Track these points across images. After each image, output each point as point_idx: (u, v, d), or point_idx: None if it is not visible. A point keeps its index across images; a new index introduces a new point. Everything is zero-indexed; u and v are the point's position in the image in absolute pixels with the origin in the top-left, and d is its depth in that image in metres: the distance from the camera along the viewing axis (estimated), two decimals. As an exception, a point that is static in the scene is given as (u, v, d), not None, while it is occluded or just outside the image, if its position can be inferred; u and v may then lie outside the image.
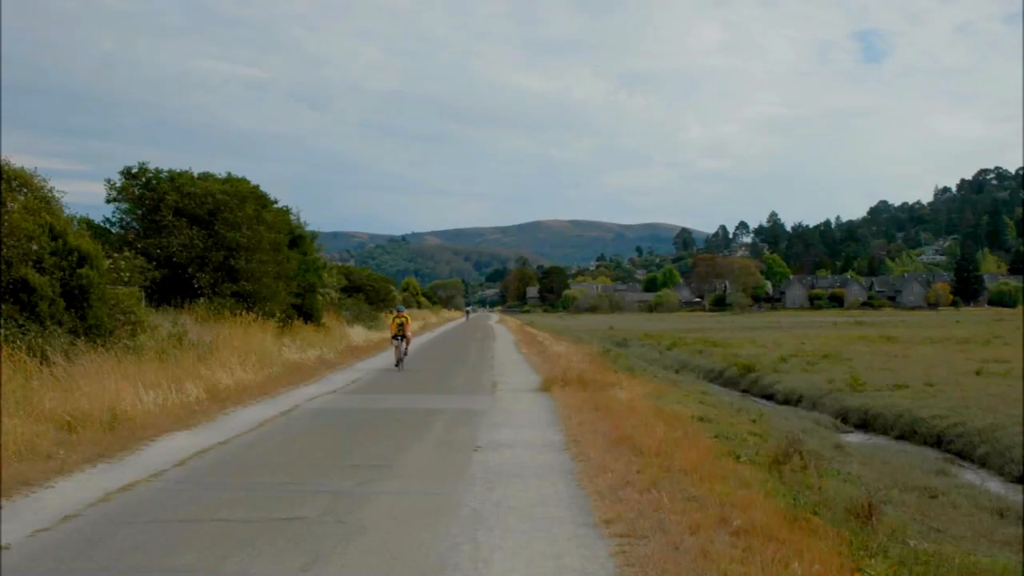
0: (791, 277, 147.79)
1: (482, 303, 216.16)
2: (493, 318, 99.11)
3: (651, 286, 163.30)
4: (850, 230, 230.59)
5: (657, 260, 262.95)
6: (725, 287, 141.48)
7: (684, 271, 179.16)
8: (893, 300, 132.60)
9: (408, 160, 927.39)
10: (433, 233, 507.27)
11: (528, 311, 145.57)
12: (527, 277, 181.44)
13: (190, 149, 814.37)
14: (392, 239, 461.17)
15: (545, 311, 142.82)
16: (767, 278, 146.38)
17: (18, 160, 14.23)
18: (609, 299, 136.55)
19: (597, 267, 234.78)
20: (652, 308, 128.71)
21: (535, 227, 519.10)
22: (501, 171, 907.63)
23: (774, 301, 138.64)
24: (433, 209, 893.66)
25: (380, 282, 50.16)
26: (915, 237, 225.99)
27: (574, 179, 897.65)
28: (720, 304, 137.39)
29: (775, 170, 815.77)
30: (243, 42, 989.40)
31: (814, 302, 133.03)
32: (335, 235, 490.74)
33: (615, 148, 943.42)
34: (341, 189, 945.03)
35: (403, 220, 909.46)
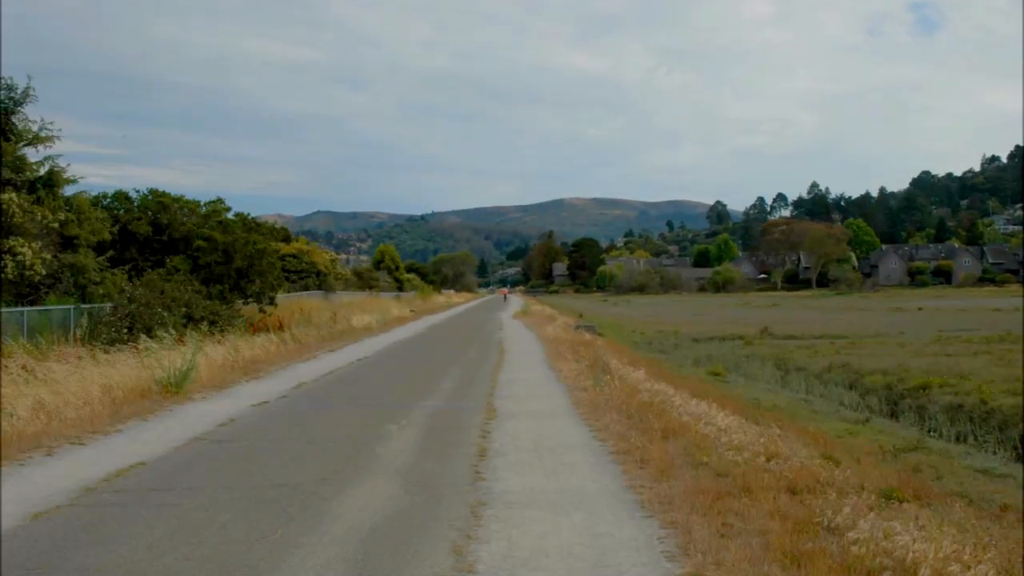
0: (883, 248, 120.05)
1: (503, 283, 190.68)
2: (511, 306, 60.41)
3: (702, 260, 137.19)
4: (908, 199, 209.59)
5: (690, 235, 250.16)
6: (798, 260, 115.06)
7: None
8: (1016, 274, 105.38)
9: (440, 140, 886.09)
10: (454, 212, 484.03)
11: (556, 291, 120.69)
12: (553, 252, 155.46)
13: (226, 132, 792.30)
14: (411, 218, 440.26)
15: (577, 291, 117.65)
16: (851, 248, 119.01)
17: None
18: (661, 276, 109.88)
19: (626, 243, 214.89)
20: (719, 287, 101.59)
21: (557, 205, 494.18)
22: (532, 150, 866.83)
23: (864, 276, 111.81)
24: (456, 188, 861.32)
25: (239, 230, 20.61)
26: (981, 206, 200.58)
27: (605, 157, 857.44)
28: (793, 281, 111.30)
29: (810, 145, 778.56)
30: (290, 20, 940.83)
31: (915, 277, 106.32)
32: (354, 215, 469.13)
33: (651, 125, 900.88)
34: (364, 169, 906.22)
35: (425, 200, 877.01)
